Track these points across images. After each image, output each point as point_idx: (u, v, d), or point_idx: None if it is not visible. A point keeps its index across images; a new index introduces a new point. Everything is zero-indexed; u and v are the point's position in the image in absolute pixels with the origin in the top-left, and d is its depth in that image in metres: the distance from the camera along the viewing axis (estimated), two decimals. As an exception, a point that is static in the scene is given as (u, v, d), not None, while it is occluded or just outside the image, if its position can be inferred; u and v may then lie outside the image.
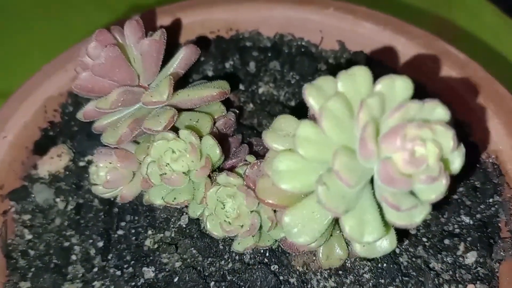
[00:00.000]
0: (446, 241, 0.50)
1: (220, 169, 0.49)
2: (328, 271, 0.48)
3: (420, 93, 0.60)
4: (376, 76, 0.62)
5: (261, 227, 0.45)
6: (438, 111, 0.33)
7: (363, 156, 0.32)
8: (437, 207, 0.52)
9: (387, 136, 0.32)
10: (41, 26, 0.91)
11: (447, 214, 0.51)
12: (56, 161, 0.59)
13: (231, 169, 0.48)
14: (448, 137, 0.32)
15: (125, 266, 0.51)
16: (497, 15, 0.89)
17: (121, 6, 0.91)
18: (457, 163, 0.34)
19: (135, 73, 0.48)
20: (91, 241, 0.53)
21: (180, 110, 0.50)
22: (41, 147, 0.60)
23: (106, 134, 0.47)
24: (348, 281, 0.47)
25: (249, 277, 0.48)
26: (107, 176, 0.47)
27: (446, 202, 0.52)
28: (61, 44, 0.71)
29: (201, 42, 0.70)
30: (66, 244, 0.53)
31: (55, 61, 0.65)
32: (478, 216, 0.51)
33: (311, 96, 0.38)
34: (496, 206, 0.51)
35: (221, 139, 0.52)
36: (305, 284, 0.48)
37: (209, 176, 0.46)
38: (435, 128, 0.32)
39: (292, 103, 0.64)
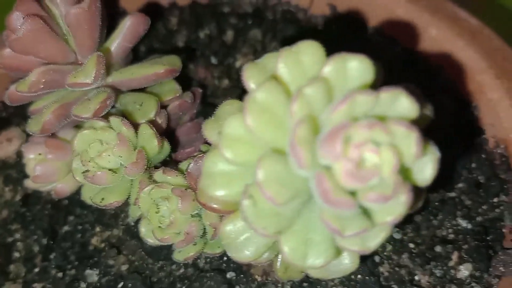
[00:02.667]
0: (438, 249, 0.42)
1: (166, 163, 0.42)
2: (291, 282, 0.41)
3: (420, 69, 0.51)
4: (374, 49, 0.54)
5: (206, 233, 0.37)
6: (401, 103, 0.25)
7: (296, 165, 0.24)
8: (430, 207, 0.43)
9: (326, 139, 0.23)
10: None
11: (442, 216, 0.43)
12: (5, 146, 0.53)
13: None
14: (410, 140, 0.24)
15: (68, 267, 0.45)
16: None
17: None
18: (427, 173, 0.26)
19: (68, 49, 0.41)
20: (35, 237, 0.48)
21: (124, 91, 0.43)
22: (-9, 130, 0.55)
23: (31, 121, 0.41)
24: (313, 295, 0.40)
25: (199, 286, 0.41)
26: (36, 169, 0.41)
27: (442, 201, 0.43)
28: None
29: (174, 8, 0.62)
30: (10, 239, 0.48)
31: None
32: (478, 219, 0.42)
33: (252, 80, 0.30)
34: (501, 208, 0.42)
35: (174, 125, 0.45)
36: (264, 297, 0.41)
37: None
38: (393, 129, 0.23)
39: (274, 78, 0.56)
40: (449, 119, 0.48)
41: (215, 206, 0.34)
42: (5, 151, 0.53)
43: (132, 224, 0.45)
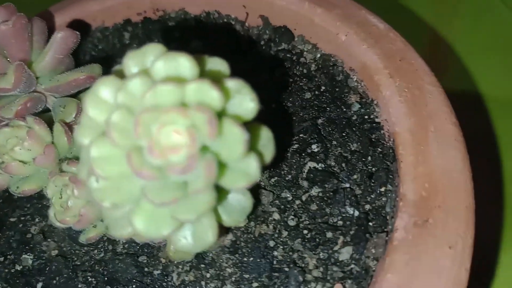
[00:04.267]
0: (328, 235, 0.45)
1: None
2: (190, 264, 0.45)
3: (334, 71, 0.55)
4: (294, 54, 0.58)
5: (106, 217, 0.43)
6: (207, 93, 0.29)
7: (111, 144, 0.29)
8: (326, 197, 0.47)
9: (135, 122, 0.28)
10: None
11: (335, 205, 0.46)
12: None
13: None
14: (205, 122, 0.28)
15: (10, 252, 0.51)
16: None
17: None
18: (235, 149, 0.30)
19: (4, 61, 0.48)
20: (-15, 226, 0.54)
21: (57, 97, 0.50)
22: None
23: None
24: (208, 275, 0.44)
25: (113, 268, 0.47)
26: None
27: (335, 191, 0.47)
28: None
29: (127, 24, 0.68)
30: (-39, 229, 0.55)
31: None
32: (366, 207, 0.46)
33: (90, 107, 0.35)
34: (385, 197, 0.45)
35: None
36: (165, 276, 0.45)
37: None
38: (192, 113, 0.28)
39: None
40: (355, 118, 0.51)
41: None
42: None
43: (63, 214, 0.51)
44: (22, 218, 0.53)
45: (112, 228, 0.37)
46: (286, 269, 0.44)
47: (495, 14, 0.77)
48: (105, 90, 0.31)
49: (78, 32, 0.51)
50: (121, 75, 0.34)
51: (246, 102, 0.32)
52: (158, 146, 0.28)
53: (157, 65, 0.31)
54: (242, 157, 0.31)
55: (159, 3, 0.67)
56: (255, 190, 0.47)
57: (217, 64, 0.34)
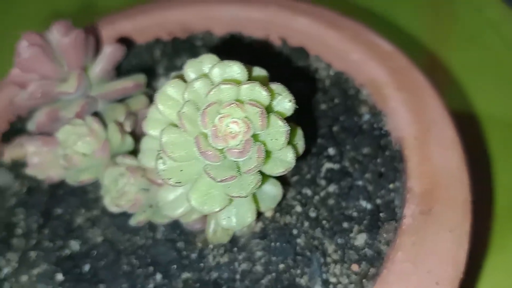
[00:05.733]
0: (344, 225, 0.52)
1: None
2: (223, 248, 0.52)
3: (346, 86, 0.63)
4: (311, 71, 0.66)
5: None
6: (256, 92, 0.37)
7: (182, 131, 0.36)
8: (342, 193, 0.54)
9: (202, 114, 0.35)
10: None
11: (349, 199, 0.53)
12: (18, 149, 0.67)
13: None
14: (257, 115, 0.35)
15: (57, 239, 0.57)
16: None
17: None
18: (280, 139, 0.37)
19: (60, 69, 0.55)
20: (34, 218, 0.60)
21: (105, 102, 0.57)
22: (8, 138, 0.69)
23: (30, 122, 0.54)
24: (240, 257, 0.51)
25: (154, 251, 0.53)
26: (32, 159, 0.54)
27: (350, 187, 0.54)
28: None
29: (158, 42, 0.76)
30: (14, 220, 0.61)
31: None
32: (377, 201, 0.52)
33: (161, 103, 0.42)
34: (394, 192, 0.52)
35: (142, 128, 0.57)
36: (202, 259, 0.52)
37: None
38: (247, 107, 0.35)
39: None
40: (366, 126, 0.59)
41: (158, 180, 0.47)
42: (17, 153, 0.67)
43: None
44: (68, 210, 0.59)
45: (166, 209, 0.44)
46: (308, 253, 0.50)
47: (489, 35, 0.86)
48: (172, 89, 0.38)
49: (125, 47, 0.58)
50: (180, 79, 0.41)
51: (285, 102, 0.39)
52: (220, 133, 0.35)
53: (215, 71, 0.38)
54: (283, 146, 0.38)
55: (187, 25, 0.75)
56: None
57: (259, 71, 0.42)
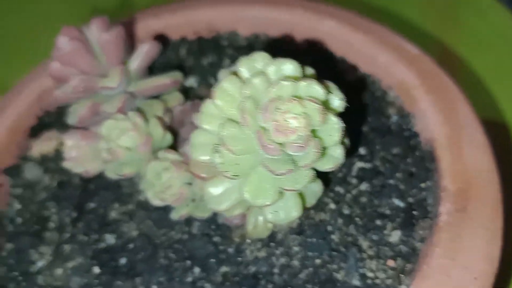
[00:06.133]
0: (377, 222, 0.53)
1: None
2: (261, 243, 0.53)
3: (373, 88, 0.64)
4: (338, 73, 0.68)
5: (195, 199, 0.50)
6: (313, 89, 0.38)
7: (243, 125, 0.37)
8: (374, 191, 0.55)
9: (263, 109, 0.37)
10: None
11: (382, 197, 0.55)
12: (47, 143, 0.68)
13: (179, 150, 0.54)
14: (316, 111, 0.37)
15: (92, 233, 0.58)
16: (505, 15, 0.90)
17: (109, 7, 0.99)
18: (333, 136, 0.38)
19: (99, 64, 0.56)
20: (67, 211, 0.61)
21: (141, 98, 0.58)
22: (36, 132, 0.69)
23: (70, 116, 0.55)
24: (278, 252, 0.52)
25: (192, 246, 0.54)
26: (72, 153, 0.55)
27: (383, 186, 0.55)
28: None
29: (184, 42, 0.77)
30: (46, 213, 0.61)
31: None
32: (409, 199, 0.54)
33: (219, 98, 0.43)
34: (426, 191, 0.54)
35: (178, 126, 0.58)
36: (239, 253, 0.53)
37: (158, 154, 0.53)
38: (306, 103, 0.37)
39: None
40: (394, 127, 0.60)
41: (203, 175, 0.48)
42: (46, 147, 0.67)
43: (142, 200, 0.59)
44: (102, 204, 0.60)
45: (211, 203, 0.45)
46: (343, 249, 0.52)
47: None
48: (229, 85, 0.40)
49: (160, 45, 0.60)
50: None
51: (336, 100, 0.41)
52: (281, 127, 0.36)
53: (271, 68, 0.40)
54: (336, 143, 0.39)
55: (213, 25, 0.76)
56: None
57: (308, 70, 0.43)
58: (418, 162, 0.56)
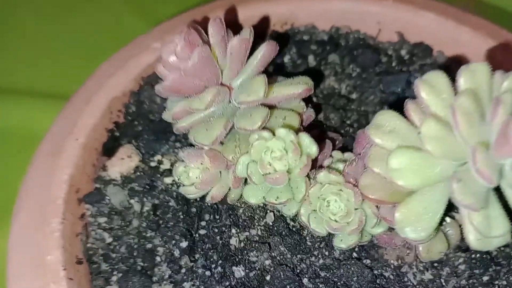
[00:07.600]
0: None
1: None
2: (424, 264, 0.48)
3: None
4: (443, 67, 0.63)
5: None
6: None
7: (502, 153, 0.32)
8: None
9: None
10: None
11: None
12: (126, 162, 0.58)
13: (321, 166, 0.48)
14: None
15: (213, 266, 0.50)
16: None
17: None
18: None
19: (220, 72, 0.48)
20: (174, 241, 0.52)
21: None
22: (109, 149, 0.59)
23: (198, 135, 0.46)
24: (444, 273, 0.48)
25: (344, 273, 0.48)
26: (200, 177, 0.47)
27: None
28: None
29: (256, 37, 0.69)
30: (149, 245, 0.53)
31: (113, 60, 0.64)
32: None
33: (424, 92, 0.38)
34: None
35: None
36: (401, 278, 0.48)
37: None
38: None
39: (354, 96, 0.64)
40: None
41: (377, 197, 0.42)
42: (126, 166, 0.58)
43: (270, 223, 0.52)
44: (216, 230, 0.52)
45: (409, 231, 0.40)
46: (504, 262, 0.48)
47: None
48: (469, 104, 0.34)
49: (277, 46, 0.52)
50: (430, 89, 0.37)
51: None
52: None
53: (505, 84, 0.35)
54: None
55: (288, 18, 0.69)
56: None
57: None
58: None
